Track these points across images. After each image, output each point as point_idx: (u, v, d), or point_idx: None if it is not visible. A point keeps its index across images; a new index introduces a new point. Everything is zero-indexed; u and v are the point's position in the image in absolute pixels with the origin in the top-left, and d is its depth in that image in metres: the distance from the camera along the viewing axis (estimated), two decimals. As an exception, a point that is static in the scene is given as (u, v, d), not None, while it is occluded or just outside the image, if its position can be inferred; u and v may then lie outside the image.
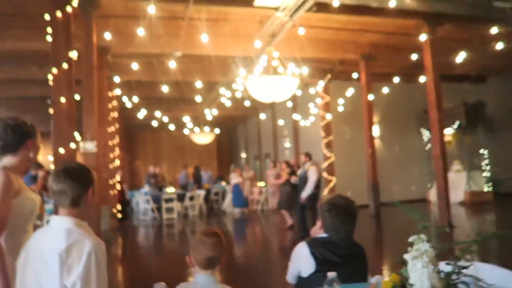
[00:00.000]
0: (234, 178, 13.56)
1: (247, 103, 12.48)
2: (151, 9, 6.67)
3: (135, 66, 9.20)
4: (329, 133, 12.22)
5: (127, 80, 11.14)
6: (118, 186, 11.22)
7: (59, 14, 6.13)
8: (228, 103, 12.72)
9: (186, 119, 16.00)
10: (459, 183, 12.52)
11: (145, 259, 7.53)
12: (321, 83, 12.14)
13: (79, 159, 7.34)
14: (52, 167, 6.60)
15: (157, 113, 13.83)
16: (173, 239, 9.84)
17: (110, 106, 10.31)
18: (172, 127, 16.18)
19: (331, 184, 11.92)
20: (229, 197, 14.10)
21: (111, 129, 10.36)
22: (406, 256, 1.43)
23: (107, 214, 8.36)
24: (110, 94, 10.46)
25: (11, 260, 1.88)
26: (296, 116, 13.90)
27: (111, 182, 9.97)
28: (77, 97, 6.44)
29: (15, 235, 2.01)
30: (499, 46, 8.48)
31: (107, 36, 7.71)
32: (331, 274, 1.60)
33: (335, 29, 9.23)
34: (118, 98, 12.24)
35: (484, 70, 13.25)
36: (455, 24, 8.68)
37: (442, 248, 1.48)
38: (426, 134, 13.65)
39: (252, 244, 8.79)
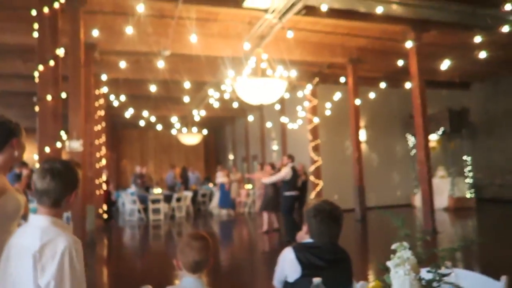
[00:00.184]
0: (220, 178, 13.53)
1: (235, 105, 12.48)
2: (140, 8, 6.62)
3: (122, 64, 9.12)
4: (316, 136, 12.29)
5: (115, 78, 11.03)
6: (104, 186, 11.10)
7: (46, 10, 6.04)
8: (216, 104, 12.70)
9: (174, 119, 15.92)
10: (443, 189, 12.71)
11: (131, 260, 7.46)
12: (309, 86, 12.21)
13: (65, 158, 7.23)
14: (37, 165, 6.49)
15: (145, 113, 13.73)
16: (160, 241, 9.77)
17: (96, 104, 10.19)
18: (159, 127, 16.07)
19: (318, 188, 11.99)
20: (216, 198, 14.07)
21: (98, 127, 10.24)
22: (388, 263, 1.45)
23: (93, 214, 8.25)
24: (97, 92, 10.34)
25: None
26: (283, 119, 13.95)
27: (97, 181, 9.85)
28: (63, 95, 6.35)
29: (-2, 235, 1.98)
30: (482, 55, 8.65)
31: (95, 32, 7.63)
32: (316, 280, 1.62)
33: (323, 33, 9.30)
34: (105, 96, 12.11)
35: (468, 76, 13.50)
36: (440, 31, 8.83)
37: (423, 254, 1.52)
38: (411, 140, 13.83)
39: (238, 246, 8.79)
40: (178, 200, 12.83)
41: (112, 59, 9.90)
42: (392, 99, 13.52)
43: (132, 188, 13.72)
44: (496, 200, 13.21)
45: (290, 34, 8.02)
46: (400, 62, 9.37)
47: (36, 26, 6.07)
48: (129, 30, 7.23)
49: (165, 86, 11.42)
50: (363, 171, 10.80)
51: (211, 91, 11.75)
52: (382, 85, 11.29)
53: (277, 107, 14.09)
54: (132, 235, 10.40)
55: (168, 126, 17.00)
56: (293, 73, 9.24)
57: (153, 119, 14.63)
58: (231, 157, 22.19)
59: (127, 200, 12.76)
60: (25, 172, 7.72)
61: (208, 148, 24.16)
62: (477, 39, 8.21)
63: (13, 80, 11.12)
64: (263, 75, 8.61)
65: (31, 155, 6.51)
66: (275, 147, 16.47)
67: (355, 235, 9.04)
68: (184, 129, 17.47)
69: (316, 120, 12.29)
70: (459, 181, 13.02)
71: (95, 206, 8.99)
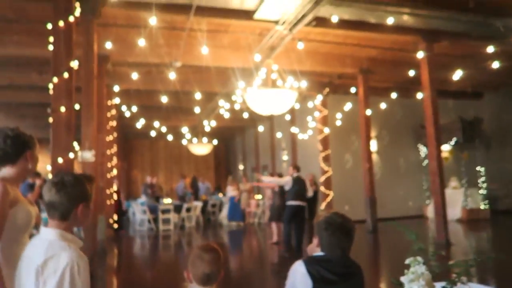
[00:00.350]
0: (231, 191, 13.52)
1: (245, 115, 12.51)
2: (152, 20, 6.72)
3: (134, 75, 9.24)
4: (326, 147, 12.24)
5: (126, 89, 11.17)
6: (115, 196, 11.17)
7: (61, 23, 6.16)
8: (226, 115, 12.76)
9: (184, 129, 16.02)
10: (456, 200, 12.50)
11: (141, 270, 7.46)
12: (319, 97, 12.20)
13: (77, 168, 7.31)
14: (50, 176, 6.57)
15: (156, 123, 13.84)
16: (169, 251, 9.77)
17: (108, 114, 10.32)
18: (170, 137, 16.16)
19: (328, 199, 11.89)
20: (225, 209, 14.04)
21: (109, 138, 10.35)
22: (402, 279, 1.43)
23: (103, 224, 8.30)
24: (109, 102, 10.48)
25: (6, 271, 1.88)
26: (294, 129, 13.94)
27: (108, 191, 9.92)
28: (76, 106, 6.44)
29: (10, 246, 2.00)
30: (495, 65, 8.55)
31: (108, 45, 7.75)
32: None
33: (333, 43, 9.32)
34: (117, 107, 12.26)
35: (481, 86, 13.35)
36: (451, 41, 8.78)
37: (437, 268, 1.49)
38: (423, 150, 13.68)
39: (247, 257, 8.73)
40: (188, 210, 12.83)
41: (124, 70, 10.04)
42: (403, 109, 13.43)
43: (143, 198, 13.78)
44: (511, 212, 12.94)
45: (300, 45, 8.05)
46: (412, 72, 9.32)
47: (51, 39, 6.18)
48: (141, 42, 7.33)
49: (176, 97, 11.52)
50: (374, 182, 10.69)
51: (221, 102, 11.82)
52: (393, 95, 11.22)
53: (288, 117, 14.09)
54: (142, 245, 10.41)
55: (178, 136, 17.09)
56: (304, 84, 9.26)
57: (164, 129, 14.73)
58: (241, 167, 22.19)
59: (137, 210, 12.81)
60: (38, 182, 7.85)
61: (218, 158, 24.21)
62: (490, 49, 8.13)
63: (28, 91, 11.33)
64: (273, 86, 8.64)
65: (44, 165, 6.58)
66: (285, 157, 16.42)
67: (367, 247, 8.92)
68: (195, 140, 17.54)
69: (326, 130, 12.25)
70: (472, 192, 12.80)
71: (105, 216, 9.05)
